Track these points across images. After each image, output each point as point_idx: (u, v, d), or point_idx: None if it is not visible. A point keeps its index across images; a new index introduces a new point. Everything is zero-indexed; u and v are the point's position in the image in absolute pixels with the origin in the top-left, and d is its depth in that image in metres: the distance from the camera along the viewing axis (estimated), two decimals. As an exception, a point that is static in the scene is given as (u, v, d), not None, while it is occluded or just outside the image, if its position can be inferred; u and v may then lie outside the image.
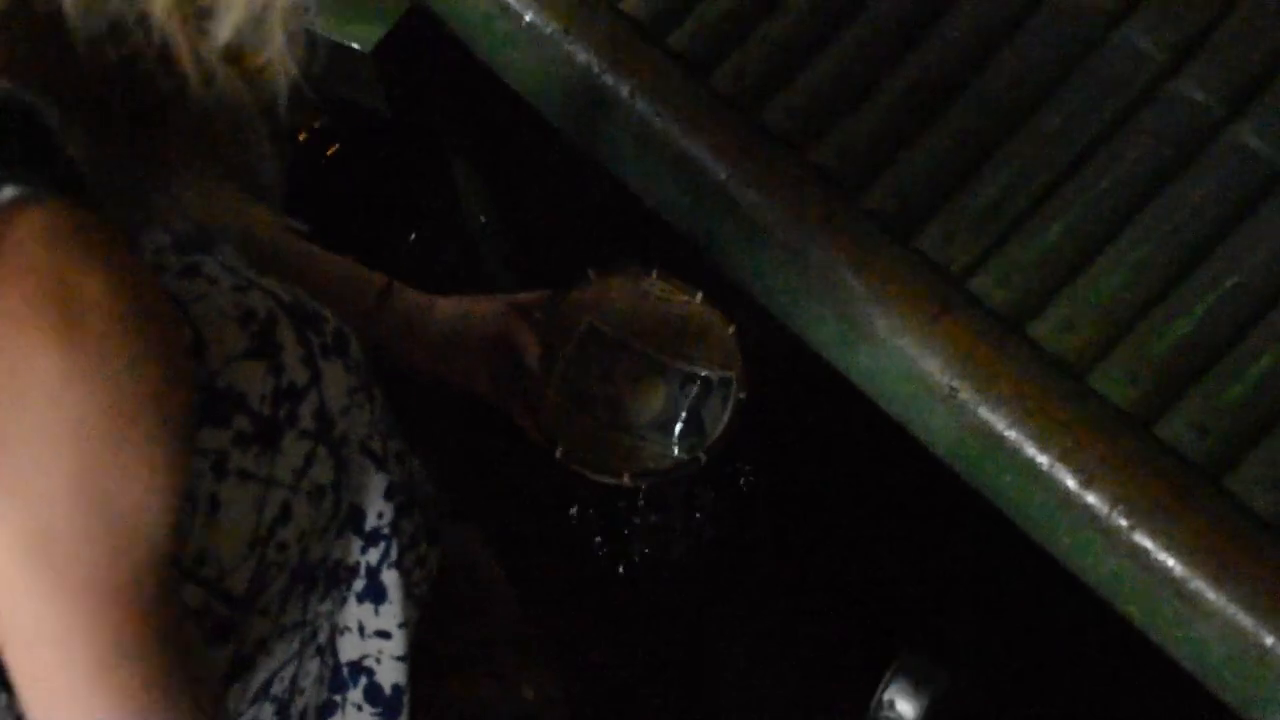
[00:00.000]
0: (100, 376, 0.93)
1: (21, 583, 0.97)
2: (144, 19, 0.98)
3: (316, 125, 1.19)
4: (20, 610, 0.98)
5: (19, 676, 1.02)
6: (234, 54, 1.02)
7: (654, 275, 1.72)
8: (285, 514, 1.24)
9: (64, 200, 0.94)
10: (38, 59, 0.99)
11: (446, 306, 1.65)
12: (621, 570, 1.97)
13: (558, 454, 1.68)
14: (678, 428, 1.68)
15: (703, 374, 1.67)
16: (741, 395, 1.66)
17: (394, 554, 1.37)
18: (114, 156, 1.05)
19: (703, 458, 1.65)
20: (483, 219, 2.14)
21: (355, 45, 1.72)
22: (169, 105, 1.06)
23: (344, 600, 1.38)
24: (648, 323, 1.71)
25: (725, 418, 1.66)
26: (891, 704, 1.82)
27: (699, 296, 1.69)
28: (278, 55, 1.02)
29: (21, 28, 0.98)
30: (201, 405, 1.17)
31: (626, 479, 1.67)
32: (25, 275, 0.90)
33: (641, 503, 1.96)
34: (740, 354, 1.68)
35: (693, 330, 1.69)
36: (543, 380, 1.67)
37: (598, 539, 1.99)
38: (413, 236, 2.18)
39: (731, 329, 1.67)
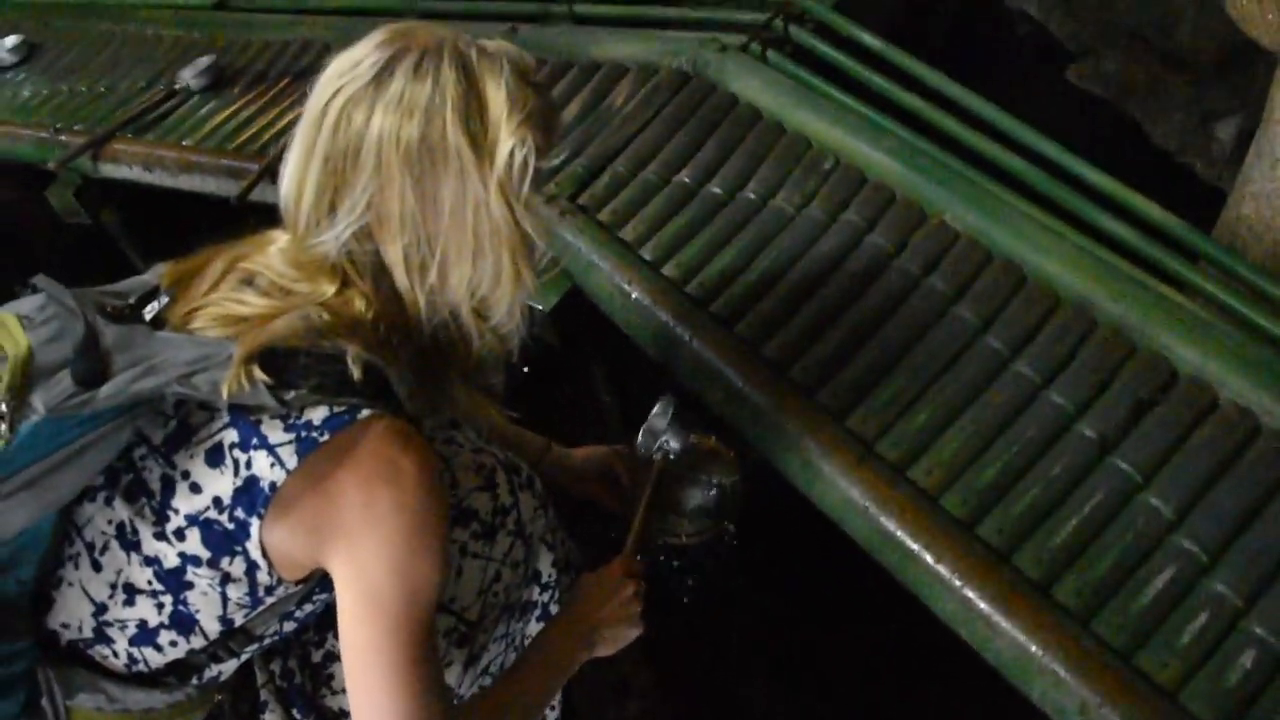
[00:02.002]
0: (411, 509, 1.04)
1: (360, 615, 1.05)
2: (456, 317, 1.11)
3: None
4: (358, 630, 1.06)
5: (348, 669, 1.07)
6: (495, 327, 1.14)
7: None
8: (497, 577, 1.31)
9: (393, 416, 1.06)
10: (389, 341, 1.10)
11: (578, 454, 1.67)
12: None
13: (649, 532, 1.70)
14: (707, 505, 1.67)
15: (717, 481, 1.67)
16: (742, 489, 1.66)
17: (557, 595, 1.42)
18: (423, 384, 1.16)
19: (729, 525, 1.66)
20: (606, 399, 2.13)
21: (540, 307, 1.76)
22: (455, 355, 1.16)
23: (529, 621, 1.42)
24: (688, 455, 1.70)
25: (735, 503, 1.66)
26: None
27: (713, 439, 1.70)
28: (516, 325, 1.14)
29: (386, 329, 1.10)
30: (454, 516, 1.27)
31: (684, 539, 1.69)
32: (376, 457, 1.03)
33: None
34: (738, 468, 1.68)
35: (711, 456, 1.69)
36: (632, 491, 1.67)
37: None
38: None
39: (733, 454, 1.67)
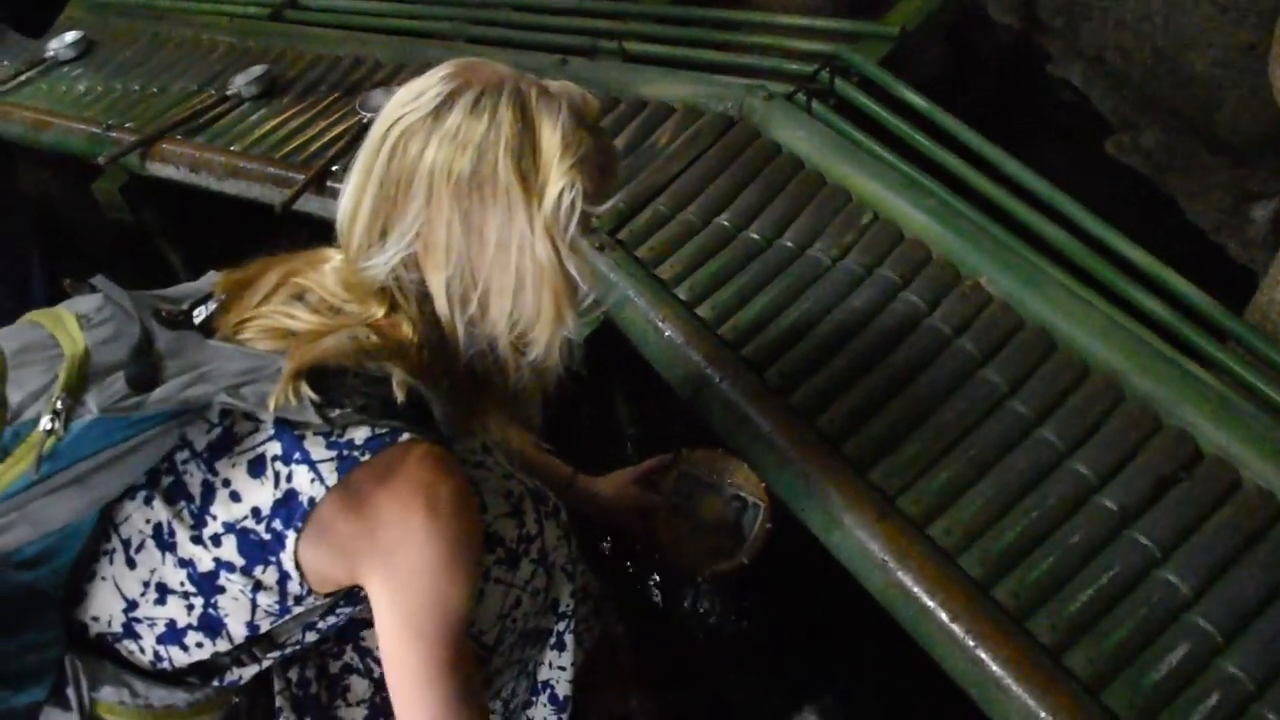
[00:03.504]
0: (447, 534, 1.06)
1: (397, 632, 1.09)
2: (494, 348, 1.13)
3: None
4: (395, 648, 1.09)
5: (391, 682, 1.12)
6: (534, 362, 1.15)
7: (720, 450, 1.69)
8: (518, 603, 1.33)
9: (432, 441, 1.08)
10: (432, 367, 1.12)
11: (602, 482, 1.70)
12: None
13: (670, 558, 1.68)
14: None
15: (744, 496, 1.65)
16: (769, 525, 1.63)
17: (573, 625, 1.43)
18: (460, 410, 1.17)
19: (745, 561, 1.61)
20: (629, 430, 2.16)
21: (574, 338, 1.78)
22: (493, 386, 1.18)
23: (543, 648, 1.44)
24: (713, 472, 1.69)
25: (756, 531, 1.62)
26: None
27: (746, 467, 1.66)
28: (554, 361, 1.16)
29: (429, 355, 1.12)
30: (480, 540, 1.30)
31: (707, 574, 1.69)
32: (415, 481, 1.05)
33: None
34: (768, 497, 1.63)
35: (740, 480, 1.67)
36: (661, 512, 1.66)
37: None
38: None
39: (764, 483, 1.63)
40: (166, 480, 1.09)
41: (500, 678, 1.38)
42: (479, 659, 1.31)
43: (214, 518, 1.07)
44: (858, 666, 1.77)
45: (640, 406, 2.12)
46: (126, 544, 1.11)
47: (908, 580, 1.38)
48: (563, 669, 1.47)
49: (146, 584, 1.11)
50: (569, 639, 1.45)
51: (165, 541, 1.09)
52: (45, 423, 1.02)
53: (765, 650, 1.84)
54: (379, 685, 1.33)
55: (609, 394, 2.14)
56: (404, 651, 1.09)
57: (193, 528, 1.08)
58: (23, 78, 3.05)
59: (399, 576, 1.07)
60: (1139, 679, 1.27)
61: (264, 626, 1.14)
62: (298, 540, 1.05)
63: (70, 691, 1.12)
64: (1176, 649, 1.29)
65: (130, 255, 2.92)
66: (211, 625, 1.12)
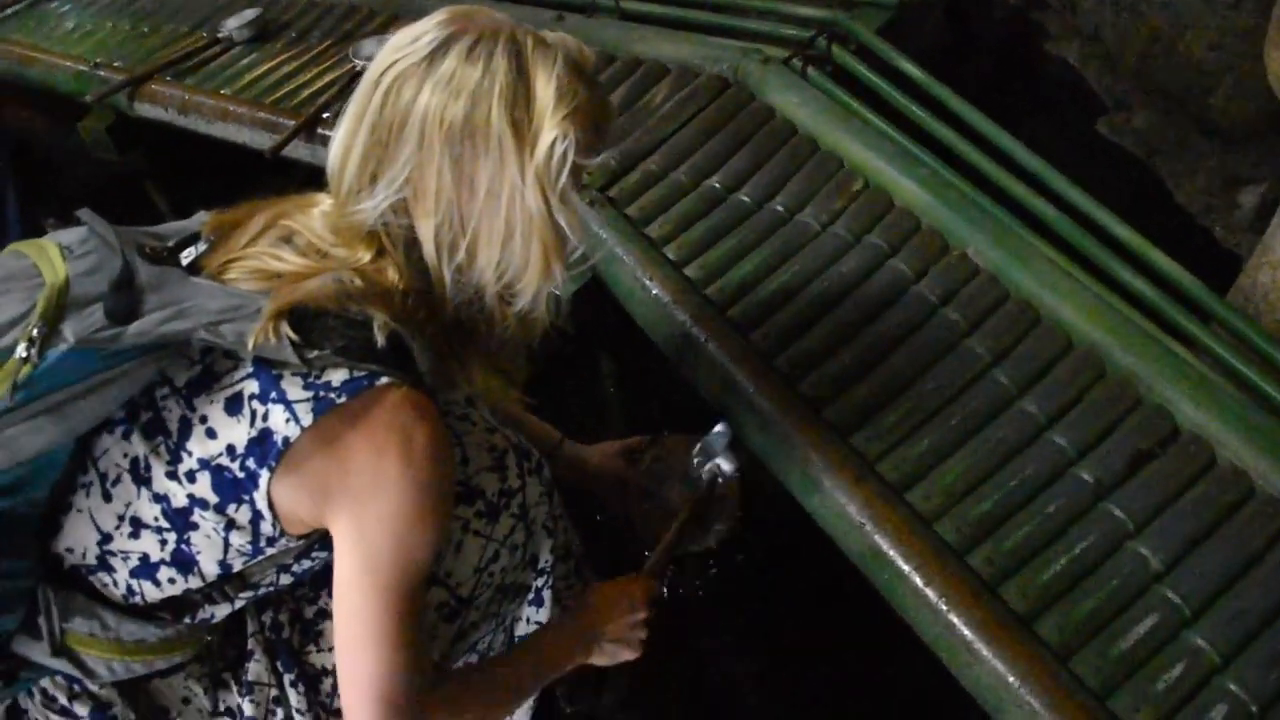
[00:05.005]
0: (418, 481, 1.05)
1: (355, 577, 1.08)
2: (480, 297, 1.11)
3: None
4: (350, 593, 1.08)
5: (338, 628, 1.11)
6: (520, 313, 1.14)
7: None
8: (495, 557, 1.32)
9: (411, 386, 1.07)
10: (416, 313, 1.11)
11: (588, 450, 1.68)
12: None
13: (640, 531, 1.68)
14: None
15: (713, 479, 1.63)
16: (739, 514, 1.63)
17: (551, 581, 1.43)
18: (442, 359, 1.15)
19: (714, 543, 1.62)
20: (611, 390, 2.15)
21: (560, 294, 1.78)
22: (478, 336, 1.17)
23: (521, 604, 1.43)
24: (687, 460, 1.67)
25: (721, 523, 1.62)
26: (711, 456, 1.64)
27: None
28: (540, 313, 1.15)
29: (414, 301, 1.11)
30: (460, 493, 1.28)
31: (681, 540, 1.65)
32: (389, 427, 1.04)
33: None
34: (739, 490, 1.63)
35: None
36: (635, 488, 1.67)
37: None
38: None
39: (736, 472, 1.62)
40: (145, 415, 1.08)
41: (477, 631, 1.37)
42: (451, 612, 1.31)
43: (189, 454, 1.06)
44: (837, 627, 1.78)
45: (625, 369, 2.11)
46: (103, 477, 1.10)
47: (884, 544, 1.38)
48: (540, 625, 1.46)
49: (121, 517, 1.10)
50: (547, 595, 1.44)
51: (141, 476, 1.09)
52: (20, 350, 1.00)
53: (742, 611, 1.85)
54: (353, 630, 1.31)
55: (593, 356, 2.12)
56: (360, 599, 1.08)
57: (169, 463, 1.07)
58: (9, 11, 3.00)
59: (365, 520, 1.06)
60: (1107, 648, 1.28)
61: (236, 566, 1.13)
62: (271, 479, 1.04)
63: (41, 621, 1.12)
64: (1145, 620, 1.30)
65: (116, 197, 2.88)
66: (184, 561, 1.12)
